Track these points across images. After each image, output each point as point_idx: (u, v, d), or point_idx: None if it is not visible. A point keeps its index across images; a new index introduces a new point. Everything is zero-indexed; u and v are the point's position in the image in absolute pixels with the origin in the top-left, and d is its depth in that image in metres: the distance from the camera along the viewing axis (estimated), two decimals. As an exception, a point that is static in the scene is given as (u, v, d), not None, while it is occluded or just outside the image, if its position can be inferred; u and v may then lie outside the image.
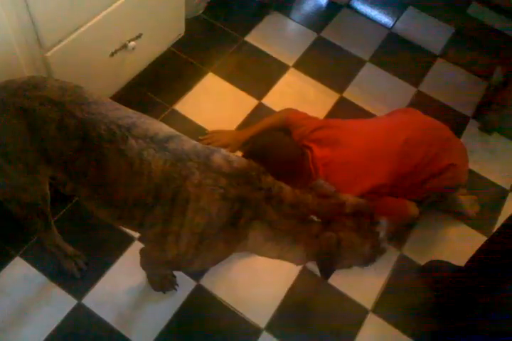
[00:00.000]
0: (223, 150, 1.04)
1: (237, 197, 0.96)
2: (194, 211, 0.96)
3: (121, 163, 0.98)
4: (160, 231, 1.02)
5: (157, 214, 1.00)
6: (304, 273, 1.54)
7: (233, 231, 0.99)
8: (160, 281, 1.42)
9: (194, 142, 1.04)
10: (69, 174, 1.07)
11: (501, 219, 1.73)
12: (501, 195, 1.81)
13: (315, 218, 1.00)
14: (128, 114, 1.04)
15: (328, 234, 0.98)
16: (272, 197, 0.98)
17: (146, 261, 1.26)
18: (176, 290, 1.44)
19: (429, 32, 2.24)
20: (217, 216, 0.96)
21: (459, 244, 1.67)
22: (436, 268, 1.57)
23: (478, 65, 2.15)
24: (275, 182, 1.02)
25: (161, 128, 1.04)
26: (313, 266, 1.55)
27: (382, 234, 1.06)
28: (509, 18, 2.23)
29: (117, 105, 1.06)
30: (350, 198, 1.05)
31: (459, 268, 1.52)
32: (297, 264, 1.14)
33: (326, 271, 1.04)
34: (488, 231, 1.71)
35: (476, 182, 1.82)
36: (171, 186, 0.96)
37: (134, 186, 0.99)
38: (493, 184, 1.83)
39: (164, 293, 1.43)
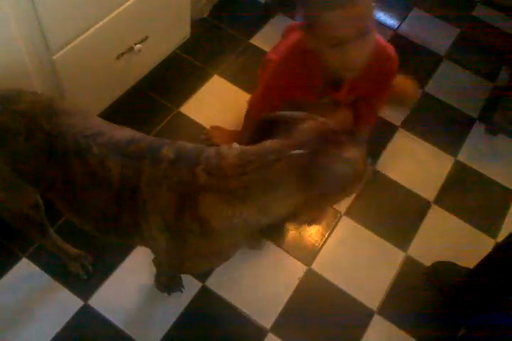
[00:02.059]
0: (178, 142, 0.97)
1: (177, 182, 0.89)
2: (152, 212, 0.93)
3: (85, 174, 0.94)
4: (140, 238, 1.00)
5: (126, 223, 0.97)
6: (310, 274, 1.54)
7: (184, 216, 0.90)
8: (167, 282, 1.42)
9: (151, 139, 0.98)
10: (42, 189, 1.05)
11: (507, 221, 1.73)
12: (507, 196, 1.81)
13: (299, 151, 0.82)
14: (97, 123, 1.00)
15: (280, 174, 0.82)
16: (211, 166, 0.87)
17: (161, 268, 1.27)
18: (182, 291, 1.45)
19: (435, 33, 2.24)
20: (167, 209, 0.91)
21: (464, 245, 1.66)
22: (443, 269, 1.56)
23: (483, 66, 2.15)
24: (218, 150, 0.89)
25: (125, 133, 0.99)
26: (318, 267, 1.56)
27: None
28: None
29: (88, 115, 1.03)
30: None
31: (466, 270, 1.51)
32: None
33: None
34: (494, 232, 1.70)
35: (482, 184, 1.82)
36: (127, 188, 0.92)
37: (99, 197, 0.96)
38: (499, 185, 1.83)
39: (169, 294, 1.44)
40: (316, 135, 0.84)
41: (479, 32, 2.26)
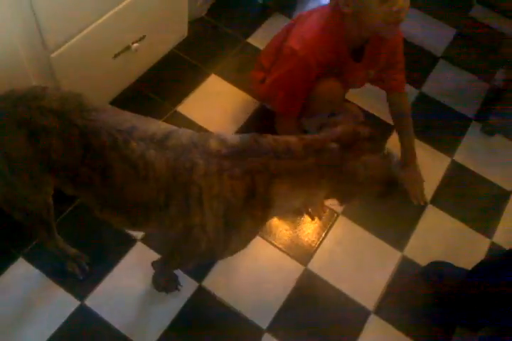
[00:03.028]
0: (217, 133, 1.03)
1: (244, 171, 0.95)
2: (210, 199, 0.97)
3: (126, 168, 0.98)
4: (183, 226, 1.03)
5: (174, 212, 1.01)
6: (306, 273, 1.55)
7: (255, 202, 0.98)
8: (164, 283, 1.42)
9: (190, 133, 1.03)
10: (75, 184, 1.07)
11: (503, 221, 1.74)
12: (503, 196, 1.82)
13: (333, 145, 0.97)
14: (127, 118, 1.03)
15: (351, 163, 0.97)
16: (280, 151, 0.97)
17: (176, 261, 1.27)
18: (179, 290, 1.45)
19: (432, 33, 2.24)
20: (233, 197, 0.97)
21: (460, 245, 1.67)
22: (439, 269, 1.57)
23: (480, 66, 2.16)
24: (277, 139, 0.99)
25: (159, 126, 1.04)
26: (314, 267, 1.56)
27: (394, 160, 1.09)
28: (511, 20, 2.24)
29: (118, 110, 1.06)
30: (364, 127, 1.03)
31: (462, 271, 1.52)
32: (320, 205, 1.18)
33: (349, 199, 1.06)
34: (490, 232, 1.71)
35: (478, 184, 1.83)
36: (180, 182, 0.97)
37: (143, 189, 0.99)
38: (495, 185, 1.83)
39: (167, 293, 1.44)
40: (347, 137, 0.98)
41: (476, 32, 2.27)
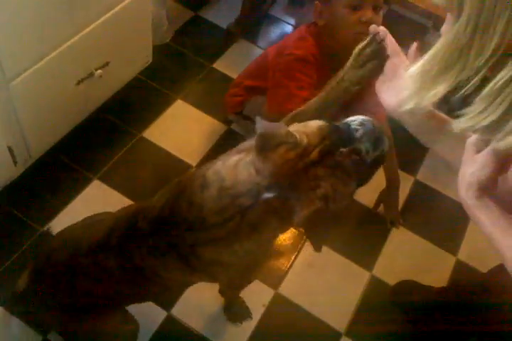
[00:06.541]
0: (140, 206, 1.07)
1: (167, 246, 0.95)
2: (169, 271, 1.01)
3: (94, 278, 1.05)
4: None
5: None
6: (277, 297, 1.53)
7: (195, 272, 0.98)
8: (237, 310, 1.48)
9: (120, 219, 1.07)
10: None
11: (467, 238, 1.77)
12: (466, 214, 1.85)
13: (270, 195, 0.80)
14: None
15: (303, 213, 0.79)
16: (192, 222, 0.89)
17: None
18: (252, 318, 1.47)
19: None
20: (176, 268, 0.98)
21: (426, 263, 1.69)
22: (406, 289, 1.58)
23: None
24: (190, 198, 0.90)
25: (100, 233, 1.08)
26: (285, 290, 1.55)
27: (363, 147, 0.82)
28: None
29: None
30: (307, 136, 0.81)
31: (429, 289, 1.54)
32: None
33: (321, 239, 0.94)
34: (455, 250, 1.74)
35: (442, 202, 1.85)
36: (132, 269, 1.01)
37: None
38: (458, 203, 1.86)
39: (241, 323, 1.47)
40: (286, 172, 0.80)
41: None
